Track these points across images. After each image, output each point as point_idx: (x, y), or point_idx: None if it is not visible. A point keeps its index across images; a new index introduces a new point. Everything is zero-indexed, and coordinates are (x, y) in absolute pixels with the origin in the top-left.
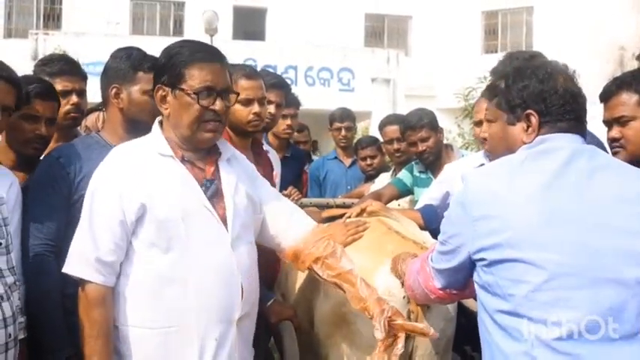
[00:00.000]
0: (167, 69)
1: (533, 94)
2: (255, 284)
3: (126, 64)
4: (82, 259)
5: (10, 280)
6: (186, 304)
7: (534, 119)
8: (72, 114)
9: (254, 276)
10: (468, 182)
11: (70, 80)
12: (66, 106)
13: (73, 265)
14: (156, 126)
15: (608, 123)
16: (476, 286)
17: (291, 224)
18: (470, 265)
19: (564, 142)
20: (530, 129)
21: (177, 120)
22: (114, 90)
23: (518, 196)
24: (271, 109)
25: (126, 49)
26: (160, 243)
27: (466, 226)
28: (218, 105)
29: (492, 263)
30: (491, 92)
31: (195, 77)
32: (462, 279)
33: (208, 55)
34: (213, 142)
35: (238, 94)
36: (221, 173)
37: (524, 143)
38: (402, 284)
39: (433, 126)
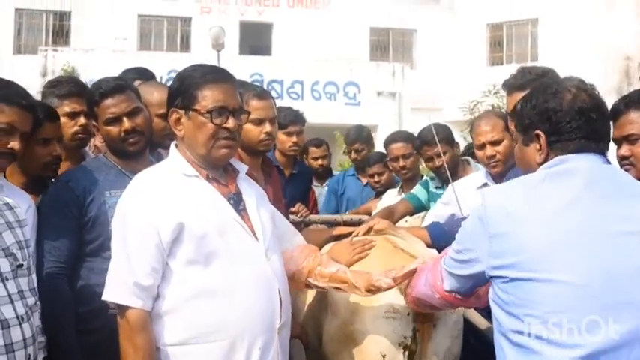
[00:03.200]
0: (180, 92)
1: (539, 113)
2: (288, 292)
3: (90, 99)
4: (121, 285)
5: (31, 300)
6: (229, 317)
7: (542, 139)
8: (80, 135)
9: (287, 284)
10: (487, 198)
11: (78, 102)
12: (74, 127)
13: (112, 292)
14: (173, 149)
15: (618, 141)
16: (491, 302)
17: (292, 249)
18: (481, 278)
19: (584, 162)
20: (542, 151)
21: (192, 140)
22: (95, 129)
23: (535, 217)
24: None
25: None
26: (199, 259)
27: (482, 242)
28: (231, 123)
29: (508, 281)
30: (513, 113)
31: (208, 97)
32: (469, 287)
33: (219, 76)
34: (229, 158)
35: (249, 113)
36: (241, 189)
37: (539, 164)
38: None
39: (449, 141)
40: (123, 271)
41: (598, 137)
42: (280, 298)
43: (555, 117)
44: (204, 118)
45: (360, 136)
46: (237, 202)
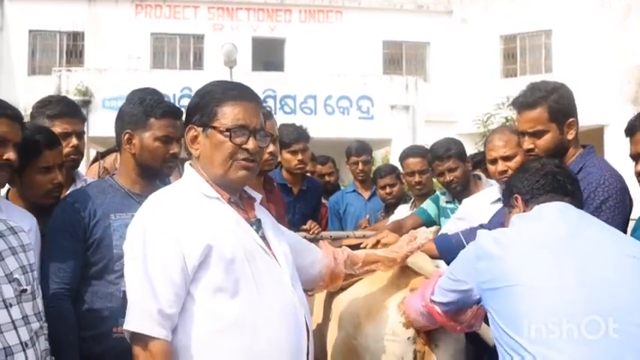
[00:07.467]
0: (199, 108)
1: (515, 181)
2: (312, 322)
3: (139, 109)
4: (144, 314)
5: (35, 325)
6: (257, 350)
7: (519, 199)
8: (72, 156)
9: (309, 313)
10: (483, 233)
11: (69, 122)
12: (66, 148)
13: (133, 322)
14: (189, 169)
15: (635, 157)
16: (491, 324)
17: (312, 258)
18: (467, 297)
19: (555, 206)
20: (519, 209)
21: (209, 160)
22: (126, 135)
23: (515, 243)
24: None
25: (142, 92)
26: (227, 287)
27: (472, 263)
28: (251, 144)
29: (494, 290)
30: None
31: (228, 115)
32: (451, 304)
33: (242, 93)
34: (247, 181)
35: (272, 135)
36: (259, 215)
37: None
38: (405, 325)
39: (461, 156)
40: (145, 299)
41: (565, 192)
42: (307, 329)
43: (527, 179)
44: (223, 136)
45: (367, 148)
46: (258, 228)
